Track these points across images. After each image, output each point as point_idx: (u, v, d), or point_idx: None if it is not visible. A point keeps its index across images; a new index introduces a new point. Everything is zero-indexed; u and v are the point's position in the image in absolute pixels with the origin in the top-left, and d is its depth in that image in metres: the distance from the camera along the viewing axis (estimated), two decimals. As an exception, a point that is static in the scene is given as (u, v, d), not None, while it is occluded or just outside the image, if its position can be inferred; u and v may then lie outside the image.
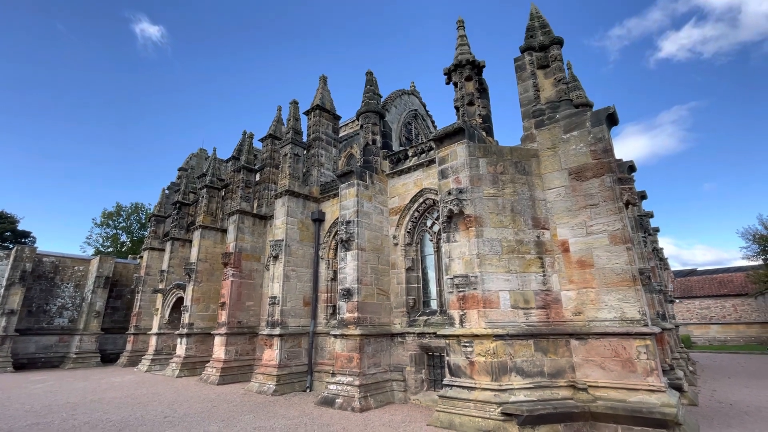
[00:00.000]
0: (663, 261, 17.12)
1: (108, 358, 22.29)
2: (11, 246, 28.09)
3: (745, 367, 16.83)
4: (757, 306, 29.44)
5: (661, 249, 16.12)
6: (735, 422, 7.81)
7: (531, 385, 7.31)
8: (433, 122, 23.91)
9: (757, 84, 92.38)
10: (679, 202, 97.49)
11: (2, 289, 19.50)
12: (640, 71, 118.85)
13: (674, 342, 14.20)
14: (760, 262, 30.00)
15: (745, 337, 28.99)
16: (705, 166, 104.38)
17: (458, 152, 8.97)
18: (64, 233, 78.52)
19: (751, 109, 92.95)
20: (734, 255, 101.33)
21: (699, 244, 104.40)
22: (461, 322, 7.96)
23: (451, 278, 8.30)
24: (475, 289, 7.92)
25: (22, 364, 19.57)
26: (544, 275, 8.17)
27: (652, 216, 15.39)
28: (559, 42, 9.86)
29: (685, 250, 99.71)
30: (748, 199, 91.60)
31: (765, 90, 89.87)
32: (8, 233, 35.25)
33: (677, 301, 31.01)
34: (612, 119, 8.61)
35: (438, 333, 8.63)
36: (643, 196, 15.23)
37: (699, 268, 41.05)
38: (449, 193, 8.58)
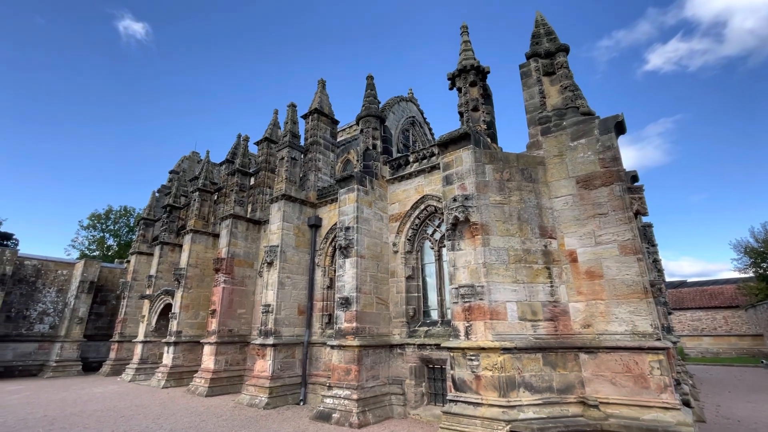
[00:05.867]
0: (660, 273, 17.05)
1: (90, 367, 21.36)
2: (-8, 248, 26.96)
3: (741, 380, 16.74)
4: (748, 318, 29.65)
5: (659, 260, 16.07)
6: (746, 440, 7.58)
7: (540, 402, 6.98)
8: (430, 130, 23.80)
9: (741, 98, 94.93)
10: (664, 214, 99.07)
11: (-20, 294, 18.62)
12: (628, 83, 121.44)
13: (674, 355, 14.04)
14: (750, 274, 30.31)
15: (737, 349, 29.10)
16: (690, 178, 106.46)
17: (464, 158, 8.72)
18: (49, 236, 76.58)
19: (736, 123, 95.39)
20: (721, 267, 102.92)
21: (685, 255, 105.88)
22: (467, 334, 7.62)
23: (456, 288, 7.98)
24: (481, 299, 7.60)
25: (-2, 373, 18.64)
26: (551, 286, 7.91)
27: (652, 227, 15.36)
28: (566, 49, 9.76)
29: (671, 261, 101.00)
30: (735, 212, 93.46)
31: (750, 104, 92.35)
32: (-11, 235, 34.04)
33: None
34: (620, 127, 8.47)
35: (442, 345, 8.27)
36: (642, 206, 15.15)
37: (689, 280, 41.45)
38: (454, 200, 8.30)
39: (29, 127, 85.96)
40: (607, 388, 6.99)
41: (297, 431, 8.48)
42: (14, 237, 36.36)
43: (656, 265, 15.42)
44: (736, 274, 33.55)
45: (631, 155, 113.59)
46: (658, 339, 6.78)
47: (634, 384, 6.77)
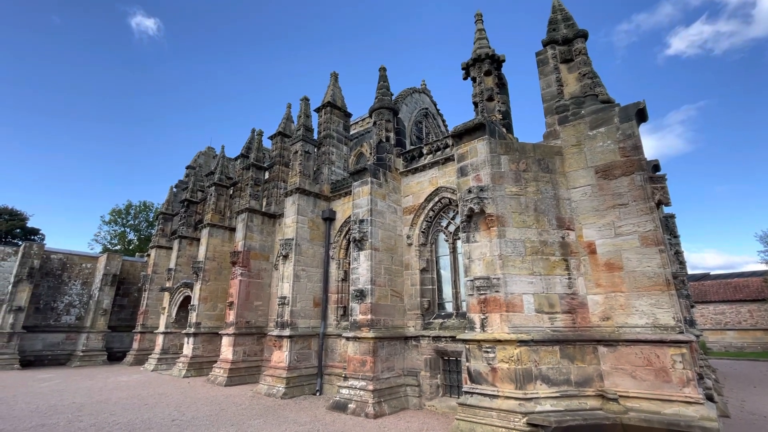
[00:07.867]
0: (682, 265, 16.58)
1: (114, 357, 22.17)
2: (20, 243, 28.17)
3: (768, 375, 16.23)
4: (775, 312, 28.62)
5: (682, 252, 15.61)
6: (773, 436, 7.36)
7: (557, 394, 6.91)
8: (443, 121, 23.54)
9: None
10: (687, 204, 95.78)
11: (10, 286, 19.45)
12: (649, 68, 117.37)
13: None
14: (778, 266, 29.21)
15: (762, 343, 28.18)
16: (714, 167, 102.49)
17: (478, 149, 8.60)
18: (72, 231, 79.19)
19: (764, 109, 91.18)
20: (746, 260, 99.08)
21: (708, 248, 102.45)
22: (482, 326, 7.58)
23: (472, 280, 7.92)
24: (497, 291, 7.54)
25: (29, 362, 19.49)
26: (569, 278, 7.77)
27: (674, 218, 14.92)
28: (584, 35, 9.46)
29: (694, 253, 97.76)
30: (762, 202, 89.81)
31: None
32: (18, 230, 35.42)
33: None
34: (641, 115, 8.21)
35: (458, 337, 8.25)
36: (664, 197, 14.70)
37: (712, 273, 40.12)
38: (469, 191, 8.21)
39: (50, 124, 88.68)
40: (627, 382, 6.87)
41: (314, 420, 8.63)
42: (41, 232, 37.81)
43: (678, 257, 14.99)
44: (762, 267, 32.41)
45: (651, 144, 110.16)
46: (681, 332, 6.61)
47: (655, 378, 6.63)
